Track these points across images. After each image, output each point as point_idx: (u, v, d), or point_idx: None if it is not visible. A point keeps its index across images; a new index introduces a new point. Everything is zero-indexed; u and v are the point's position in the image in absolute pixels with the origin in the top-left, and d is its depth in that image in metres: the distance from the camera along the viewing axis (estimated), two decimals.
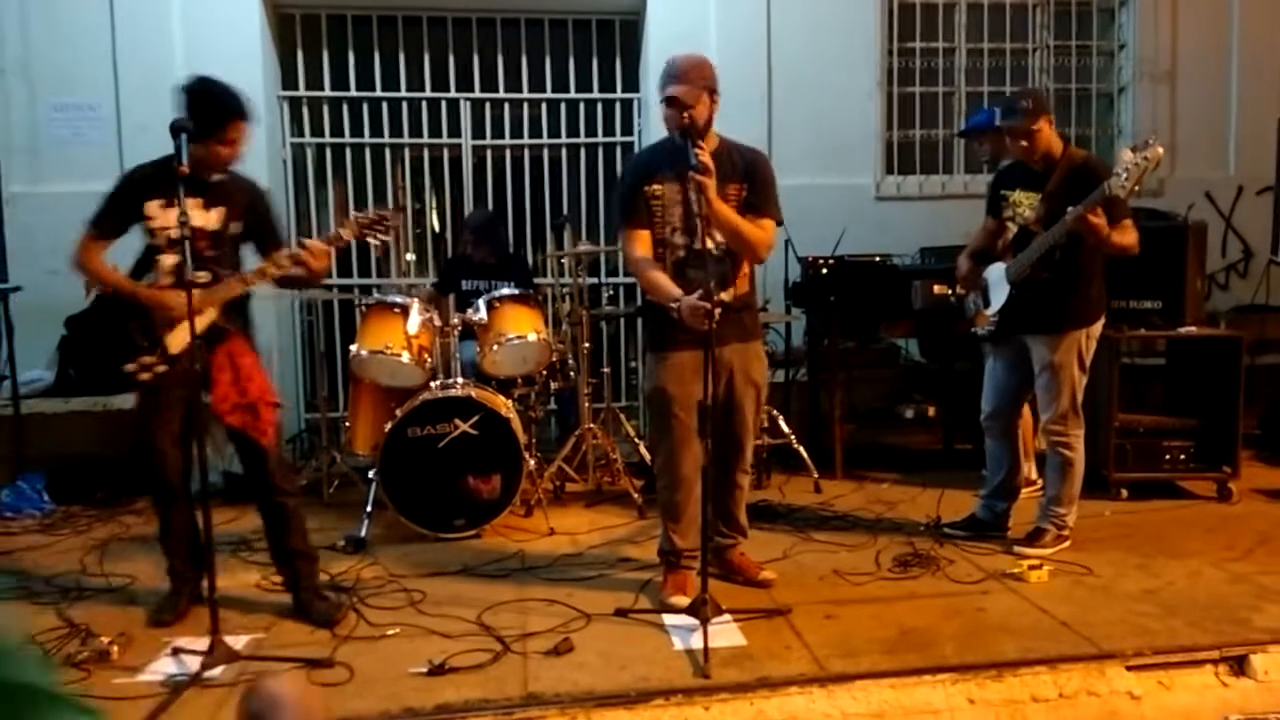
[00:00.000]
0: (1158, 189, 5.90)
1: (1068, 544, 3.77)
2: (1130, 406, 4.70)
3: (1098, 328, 3.72)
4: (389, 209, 3.36)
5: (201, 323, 2.97)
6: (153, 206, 3.05)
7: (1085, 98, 6.13)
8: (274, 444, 3.16)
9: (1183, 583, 3.42)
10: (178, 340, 3.03)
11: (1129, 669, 2.79)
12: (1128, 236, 3.54)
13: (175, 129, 2.87)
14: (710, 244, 3.10)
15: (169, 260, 3.06)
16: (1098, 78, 6.16)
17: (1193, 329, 4.44)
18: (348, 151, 5.68)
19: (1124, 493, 4.47)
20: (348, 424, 4.52)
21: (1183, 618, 3.09)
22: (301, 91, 5.62)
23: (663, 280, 3.16)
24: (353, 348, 4.23)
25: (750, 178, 3.24)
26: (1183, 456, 4.48)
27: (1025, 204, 3.73)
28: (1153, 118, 6.02)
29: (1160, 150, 3.30)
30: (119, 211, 3.07)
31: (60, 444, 4.68)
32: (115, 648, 2.90)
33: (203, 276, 3.01)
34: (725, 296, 3.20)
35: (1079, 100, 6.11)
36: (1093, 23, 6.11)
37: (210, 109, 2.99)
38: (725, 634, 2.97)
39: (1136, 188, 3.31)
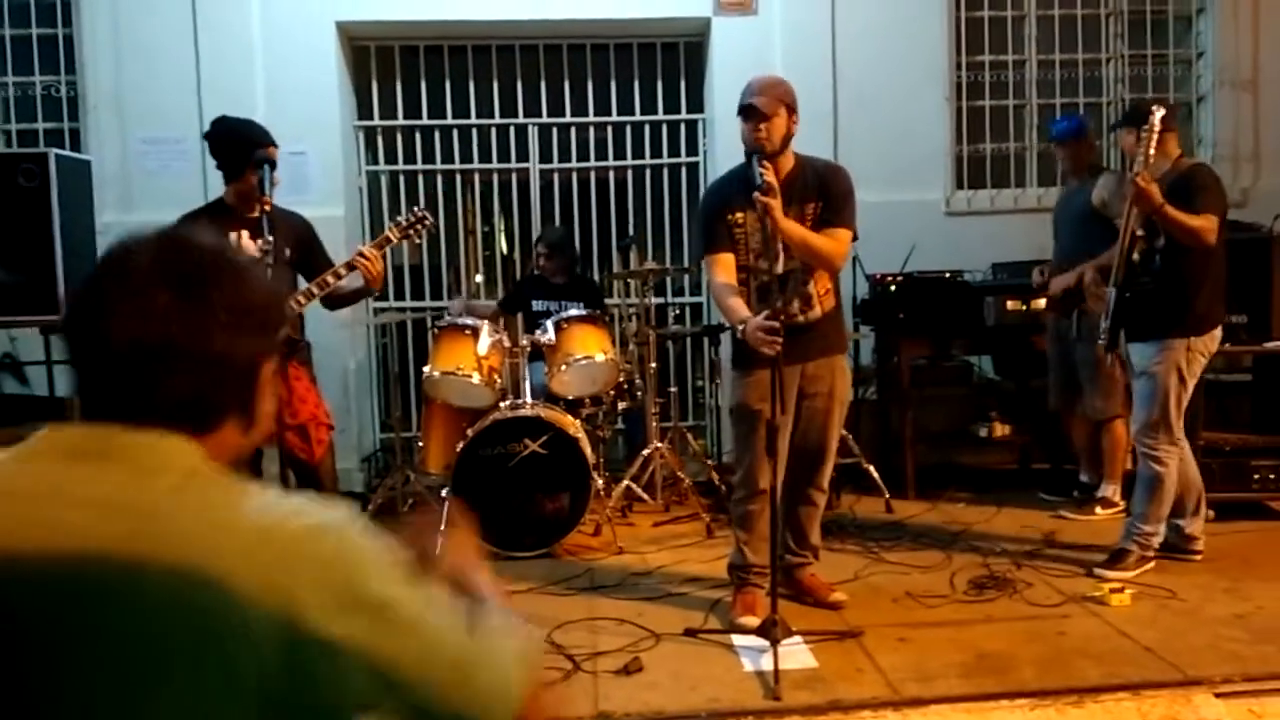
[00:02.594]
0: (1241, 200, 5.71)
1: (1151, 565, 3.65)
2: (1215, 424, 4.54)
3: (1204, 342, 3.59)
4: (422, 209, 3.55)
5: None
6: None
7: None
8: (325, 465, 3.25)
9: (1274, 607, 3.29)
10: None
11: (1217, 696, 2.70)
12: (1193, 220, 3.45)
13: (258, 163, 3.03)
14: (788, 264, 3.11)
15: None
16: (1176, 87, 5.99)
17: None
18: (420, 178, 5.81)
19: (1210, 513, 4.30)
20: (421, 443, 4.61)
21: (1274, 643, 2.98)
22: (376, 121, 5.78)
23: (735, 304, 3.19)
24: (425, 369, 4.33)
25: (824, 193, 3.24)
26: (1272, 476, 4.31)
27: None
28: (1234, 126, 5.84)
29: (1159, 112, 3.42)
30: None
31: None
32: None
33: None
34: (814, 312, 3.23)
35: None
36: (1169, 31, 5.96)
37: (232, 147, 3.16)
38: (796, 656, 2.95)
39: (1165, 161, 3.51)
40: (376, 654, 0.88)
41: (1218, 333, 3.64)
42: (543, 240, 5.27)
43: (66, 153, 4.69)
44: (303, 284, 3.40)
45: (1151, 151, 3.40)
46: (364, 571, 0.91)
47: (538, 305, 5.06)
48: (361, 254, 3.25)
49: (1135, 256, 3.56)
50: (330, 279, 3.25)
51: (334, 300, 3.40)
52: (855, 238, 3.31)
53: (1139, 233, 3.54)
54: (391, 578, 0.92)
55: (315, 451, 3.18)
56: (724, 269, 3.26)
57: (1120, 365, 3.91)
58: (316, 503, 0.95)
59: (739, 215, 3.24)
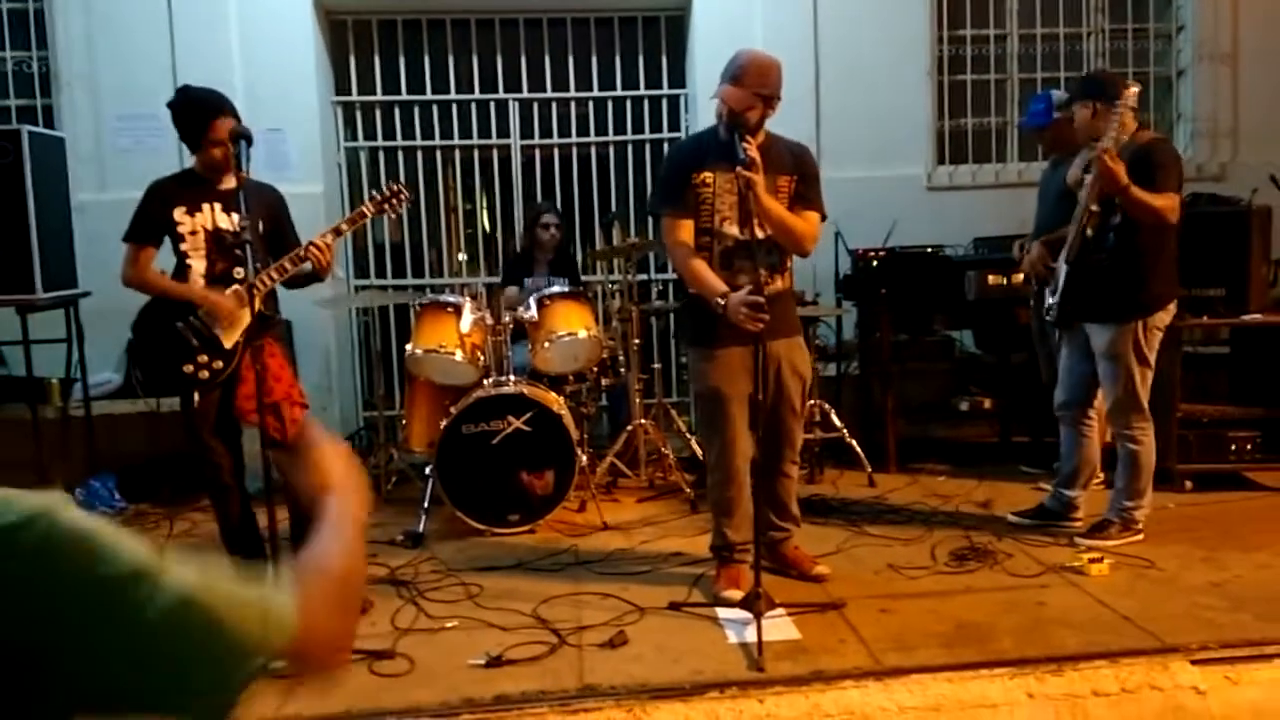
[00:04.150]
0: (1219, 173, 5.75)
1: (1140, 538, 3.70)
2: (1194, 396, 4.59)
3: (1161, 318, 3.63)
4: (401, 184, 3.49)
5: (246, 317, 3.08)
6: (179, 213, 3.17)
7: (1142, 82, 5.93)
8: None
9: (1250, 576, 3.34)
10: (231, 336, 3.14)
11: (1194, 663, 2.74)
12: (1158, 200, 3.45)
13: (234, 137, 3.00)
14: (760, 233, 3.10)
15: (199, 265, 3.18)
16: (1155, 61, 6.01)
17: (1258, 316, 4.32)
18: (400, 154, 5.76)
19: (1188, 484, 4.37)
20: (404, 421, 4.60)
21: (1251, 611, 3.02)
22: (354, 96, 5.72)
23: (707, 273, 3.16)
24: (408, 347, 4.31)
25: (800, 170, 3.26)
26: (1249, 447, 4.37)
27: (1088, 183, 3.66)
28: (1213, 101, 5.86)
29: (1134, 89, 3.45)
30: (150, 220, 3.22)
31: (129, 444, 4.83)
32: None
33: (239, 273, 3.13)
34: (780, 285, 3.22)
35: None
36: (1149, 5, 5.96)
37: (191, 116, 3.14)
38: (779, 628, 2.97)
39: (1123, 136, 3.46)
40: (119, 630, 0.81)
41: (1173, 307, 3.69)
42: (548, 211, 5.23)
43: (40, 129, 4.63)
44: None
45: (1120, 130, 3.40)
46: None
47: (528, 282, 5.03)
48: (313, 244, 3.19)
49: (1089, 232, 3.57)
50: (288, 265, 3.20)
51: (290, 282, 3.36)
52: (824, 217, 3.32)
53: (1094, 209, 3.55)
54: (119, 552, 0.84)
55: (289, 431, 3.15)
56: (686, 232, 3.23)
57: (1060, 340, 3.94)
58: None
59: (706, 175, 3.21)
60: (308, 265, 3.25)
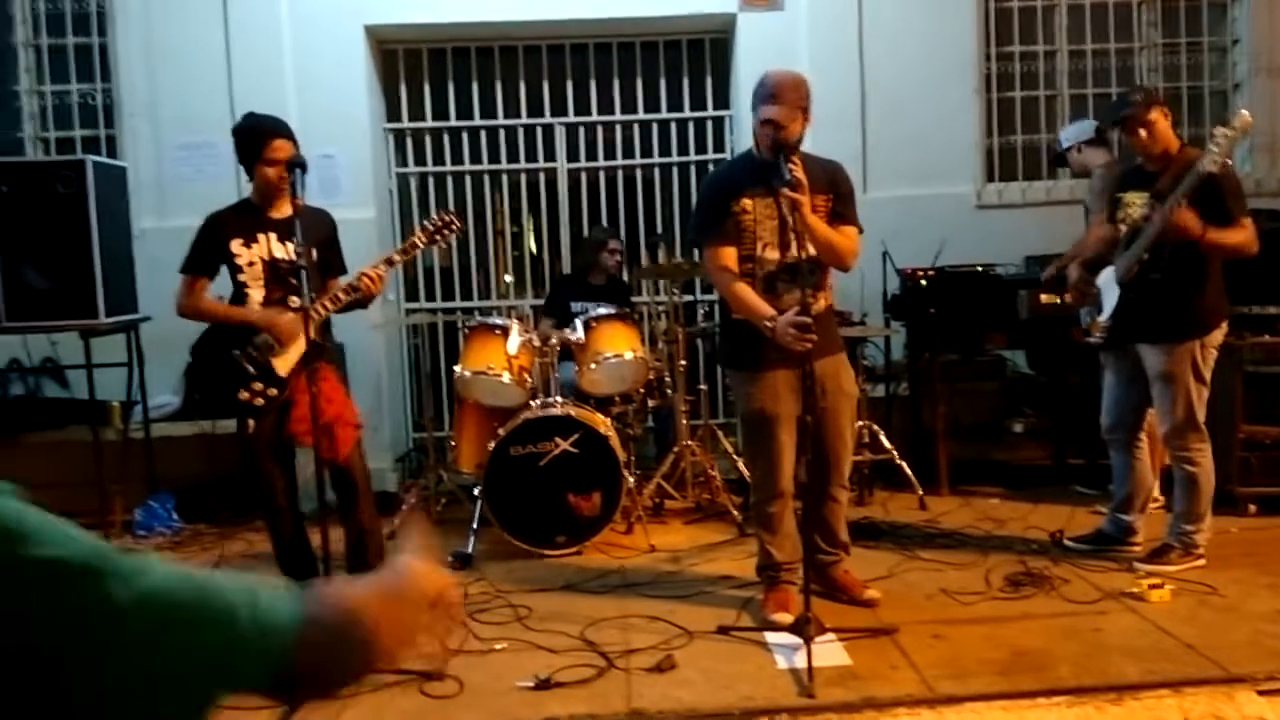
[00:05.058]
0: (1278, 188, 5.61)
1: (1201, 563, 3.60)
2: (1256, 417, 4.46)
3: (1216, 336, 3.55)
4: (452, 213, 3.52)
5: (302, 344, 3.14)
6: (236, 245, 3.24)
7: (1197, 96, 5.88)
8: (354, 462, 3.26)
9: None
10: (285, 363, 3.20)
11: (1260, 694, 2.65)
12: (1235, 236, 3.38)
13: (290, 165, 3.08)
14: (803, 254, 3.09)
15: (257, 294, 3.24)
16: (1210, 75, 5.90)
17: None
18: (449, 179, 5.85)
19: (1252, 508, 4.24)
20: (453, 443, 4.64)
21: None
22: (405, 123, 5.82)
23: (752, 297, 3.16)
24: (456, 369, 4.35)
25: (834, 188, 3.25)
26: None
27: (1136, 204, 3.60)
28: (1270, 114, 5.72)
29: (1248, 116, 3.29)
30: (207, 252, 3.30)
31: (187, 465, 4.94)
32: None
33: (294, 301, 3.19)
34: (823, 303, 3.21)
35: (1191, 99, 5.86)
36: (1203, 18, 5.86)
37: (251, 136, 3.21)
38: (829, 653, 2.94)
39: (1229, 161, 3.32)
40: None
41: (1226, 325, 3.60)
42: (614, 237, 5.27)
43: (103, 159, 4.78)
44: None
45: (1229, 161, 3.34)
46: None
47: (575, 306, 5.05)
48: (366, 274, 3.24)
49: (1145, 255, 3.50)
50: (342, 295, 3.25)
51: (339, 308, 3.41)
52: (861, 230, 3.31)
53: (1145, 256, 3.49)
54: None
55: (340, 451, 3.20)
56: (729, 260, 3.23)
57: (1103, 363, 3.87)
58: None
59: (745, 203, 3.21)
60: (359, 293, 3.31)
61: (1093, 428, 4.57)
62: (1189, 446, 3.57)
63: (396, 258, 3.37)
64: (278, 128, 3.24)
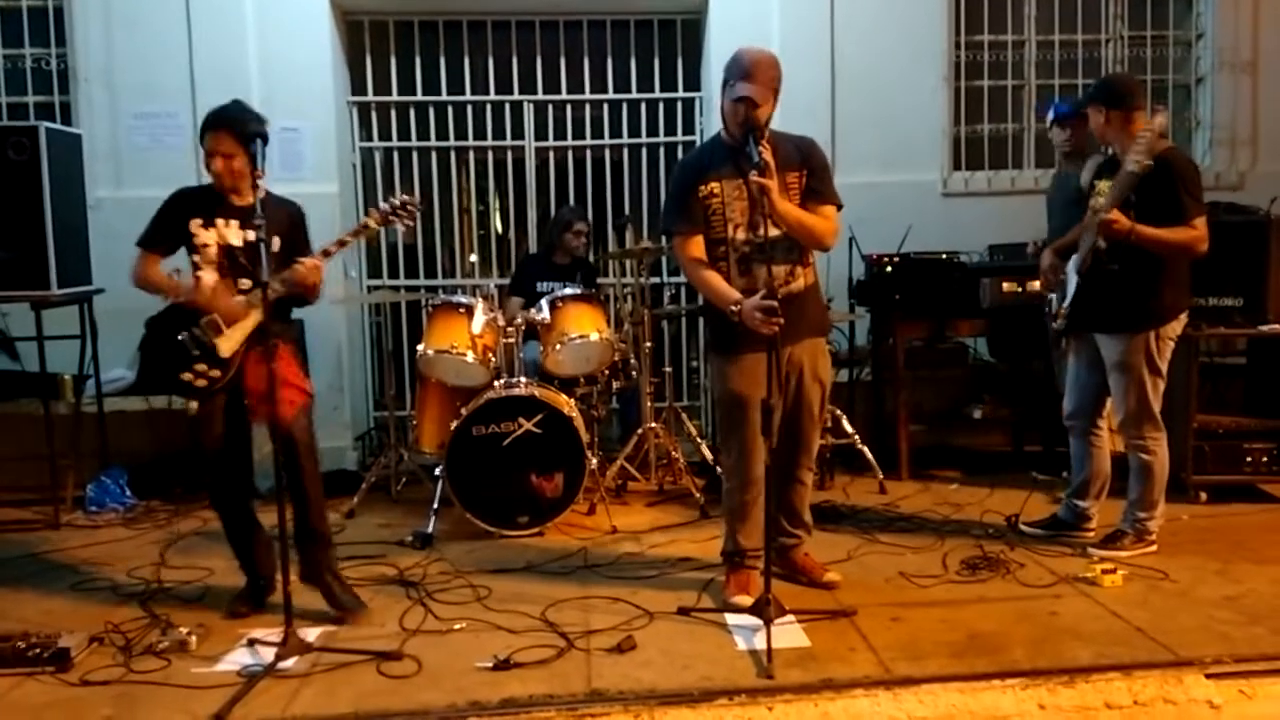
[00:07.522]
0: (1238, 182, 5.70)
1: (1153, 549, 3.66)
2: (1209, 407, 4.55)
3: (1174, 328, 3.59)
4: (412, 196, 3.43)
5: (247, 326, 3.11)
6: (194, 224, 3.17)
7: (1161, 89, 5.95)
8: (299, 426, 3.17)
9: (1265, 589, 3.30)
10: (229, 344, 3.14)
11: (1208, 677, 2.70)
12: (1176, 234, 3.43)
13: (247, 139, 3.03)
14: (775, 231, 3.07)
15: (209, 278, 3.18)
16: (1174, 69, 5.97)
17: (1275, 326, 4.28)
18: (414, 155, 5.77)
19: (1203, 496, 4.33)
20: (415, 422, 4.60)
21: (1266, 625, 2.99)
22: (370, 97, 5.73)
23: (719, 283, 3.14)
24: (419, 347, 4.31)
25: (808, 164, 3.21)
26: (1264, 459, 4.32)
27: (1104, 192, 3.63)
28: (1233, 109, 5.82)
29: (1160, 117, 3.38)
30: (166, 229, 3.22)
31: (141, 440, 4.85)
32: (194, 638, 2.99)
33: (245, 284, 3.14)
34: (801, 283, 3.19)
35: (1155, 92, 5.92)
36: (1169, 12, 5.92)
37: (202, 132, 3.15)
38: (789, 635, 2.96)
39: (1149, 162, 3.34)
40: None
41: (1184, 317, 3.64)
42: (580, 218, 5.22)
43: (57, 126, 4.66)
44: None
45: (1149, 163, 3.35)
46: None
47: (542, 286, 5.02)
48: (301, 262, 3.14)
49: (1101, 244, 3.53)
50: (278, 286, 3.11)
51: (288, 298, 3.31)
52: (840, 206, 3.26)
53: (1102, 244, 3.54)
54: None
55: (283, 412, 3.08)
56: (697, 248, 3.20)
57: (1067, 348, 3.92)
58: None
59: (713, 186, 3.17)
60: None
61: (1051, 415, 4.64)
62: (1143, 436, 3.62)
63: (333, 249, 3.24)
64: (214, 120, 3.13)
